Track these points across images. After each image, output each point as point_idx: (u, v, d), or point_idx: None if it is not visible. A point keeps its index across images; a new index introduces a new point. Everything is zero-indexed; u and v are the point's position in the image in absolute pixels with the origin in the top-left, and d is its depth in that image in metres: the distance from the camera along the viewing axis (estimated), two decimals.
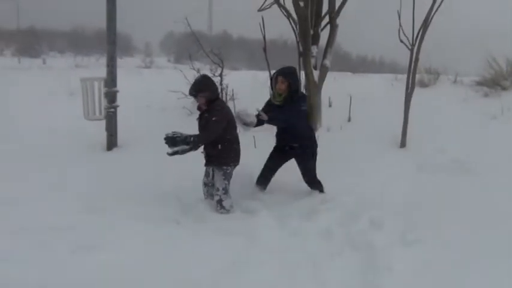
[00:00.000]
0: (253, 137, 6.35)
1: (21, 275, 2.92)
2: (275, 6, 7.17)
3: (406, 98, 6.70)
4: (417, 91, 6.92)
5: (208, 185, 4.69)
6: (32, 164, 5.68)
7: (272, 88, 4.78)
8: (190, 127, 7.31)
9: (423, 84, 9.09)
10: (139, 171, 5.66)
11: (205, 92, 4.36)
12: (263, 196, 4.83)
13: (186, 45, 8.77)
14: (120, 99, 6.83)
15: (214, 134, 4.29)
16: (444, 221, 4.10)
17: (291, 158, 4.89)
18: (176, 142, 4.09)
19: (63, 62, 38.33)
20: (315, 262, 3.46)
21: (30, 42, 64.71)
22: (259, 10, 7.41)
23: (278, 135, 4.90)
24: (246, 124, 4.42)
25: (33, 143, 6.44)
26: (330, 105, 8.60)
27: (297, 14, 6.74)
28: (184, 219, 4.28)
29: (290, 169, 4.95)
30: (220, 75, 8.60)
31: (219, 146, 4.39)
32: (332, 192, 5.01)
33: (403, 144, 6.67)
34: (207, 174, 4.69)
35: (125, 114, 7.10)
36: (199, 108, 4.52)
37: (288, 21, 7.35)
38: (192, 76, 8.82)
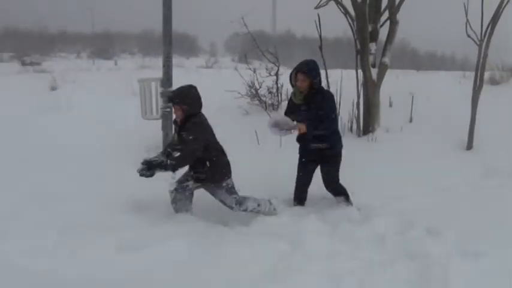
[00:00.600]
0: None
1: (69, 272, 3.01)
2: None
3: (473, 96, 6.23)
4: (487, 89, 6.44)
5: (178, 190, 4.18)
6: (88, 160, 5.92)
7: (292, 85, 4.34)
8: (245, 127, 7.39)
9: (494, 82, 8.44)
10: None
11: (184, 103, 3.89)
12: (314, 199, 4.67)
13: (250, 45, 8.77)
14: None
15: (193, 155, 3.83)
16: (509, 232, 3.73)
17: (320, 161, 4.45)
18: (153, 166, 3.72)
19: (133, 63, 40.28)
20: (364, 271, 3.27)
21: (103, 45, 68.66)
22: (316, 8, 7.24)
23: (304, 138, 4.33)
24: (283, 132, 4.13)
25: (93, 141, 6.70)
26: (390, 105, 8.23)
27: (354, 10, 6.49)
28: (232, 221, 4.24)
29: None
30: (276, 74, 8.52)
31: (207, 163, 4.00)
32: (388, 197, 4.76)
33: (469, 146, 6.21)
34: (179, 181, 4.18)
35: None
36: (174, 121, 4.17)
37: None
38: (248, 76, 8.86)
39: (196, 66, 25.83)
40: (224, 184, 4.11)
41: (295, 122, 4.11)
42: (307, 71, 4.14)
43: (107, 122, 7.59)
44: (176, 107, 3.95)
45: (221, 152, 4.16)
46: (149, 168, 3.74)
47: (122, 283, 2.97)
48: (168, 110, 6.51)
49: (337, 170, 4.49)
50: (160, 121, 6.60)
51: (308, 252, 3.54)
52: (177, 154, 3.82)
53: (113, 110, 8.46)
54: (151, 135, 6.83)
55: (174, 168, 3.76)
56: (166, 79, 6.46)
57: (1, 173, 5.23)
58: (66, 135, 7.01)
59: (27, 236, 3.46)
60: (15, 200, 4.29)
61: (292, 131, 4.13)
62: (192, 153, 3.81)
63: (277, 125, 4.13)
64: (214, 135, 4.14)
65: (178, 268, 3.19)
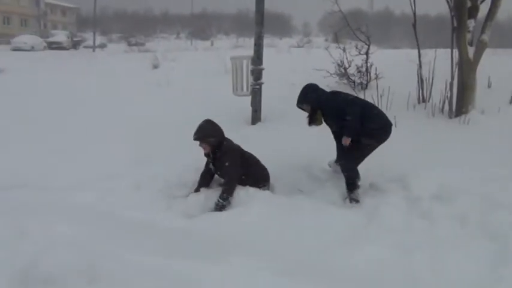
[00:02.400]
0: None
1: (164, 223, 3.48)
2: None
3: None
4: None
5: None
6: (181, 131, 6.46)
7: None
8: None
9: None
10: (277, 144, 5.99)
11: (210, 138, 4.19)
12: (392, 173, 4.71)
13: (345, 24, 8.74)
14: (266, 77, 7.25)
15: (235, 179, 4.12)
16: None
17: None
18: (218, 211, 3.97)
19: (228, 43, 41.55)
20: (437, 247, 3.32)
21: (201, 26, 71.33)
22: None
23: None
24: None
25: (188, 114, 7.23)
26: (489, 86, 7.75)
27: None
28: (310, 190, 4.46)
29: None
30: (366, 53, 8.43)
31: (243, 177, 4.24)
32: (474, 178, 4.63)
33: None
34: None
35: (270, 91, 7.52)
36: (206, 155, 4.36)
37: None
38: (338, 55, 8.87)
39: (288, 46, 25.94)
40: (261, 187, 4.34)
41: None
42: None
43: (201, 98, 8.14)
44: (203, 144, 4.26)
45: (255, 163, 4.43)
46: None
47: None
48: (258, 87, 6.85)
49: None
50: (249, 97, 6.96)
51: (384, 224, 3.66)
52: (224, 187, 4.11)
53: (207, 86, 9.03)
54: (240, 111, 7.22)
55: (227, 200, 4.05)
56: (257, 57, 6.77)
57: (111, 138, 5.99)
58: (165, 109, 7.69)
59: (129, 193, 4.04)
60: (120, 163, 4.96)
61: None
62: (235, 179, 4.15)
63: None
64: (244, 151, 4.41)
65: (260, 230, 3.51)
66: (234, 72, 7.02)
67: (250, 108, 6.98)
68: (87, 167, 4.97)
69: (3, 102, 8.11)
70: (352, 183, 4.35)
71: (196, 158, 4.57)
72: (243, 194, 4.10)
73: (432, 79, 7.28)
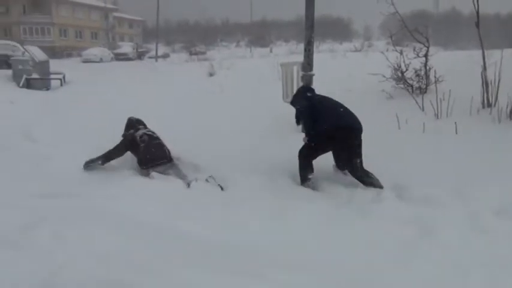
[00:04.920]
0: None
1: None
2: None
3: None
4: None
5: None
6: (233, 135, 6.46)
7: None
8: (387, 111, 7.16)
9: None
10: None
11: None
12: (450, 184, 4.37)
13: (404, 26, 8.36)
14: (320, 83, 7.07)
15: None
16: None
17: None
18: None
19: (286, 49, 41.56)
20: (498, 266, 2.99)
21: (261, 33, 71.98)
22: None
23: None
24: None
25: (237, 122, 7.25)
26: None
27: None
28: (361, 200, 4.24)
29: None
30: (425, 55, 7.99)
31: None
32: None
33: None
34: None
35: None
36: None
37: None
38: (395, 58, 8.49)
39: (345, 51, 25.44)
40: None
41: None
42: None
43: (252, 104, 8.13)
44: None
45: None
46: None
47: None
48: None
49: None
50: None
51: (437, 240, 3.37)
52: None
53: (259, 93, 9.01)
54: (290, 118, 7.07)
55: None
56: (307, 63, 6.62)
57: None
58: (215, 116, 7.75)
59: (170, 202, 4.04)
60: None
61: None
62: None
63: None
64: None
65: (300, 245, 3.35)
66: (284, 79, 6.93)
67: None
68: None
69: (65, 110, 8.57)
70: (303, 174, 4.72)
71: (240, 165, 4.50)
72: (277, 206, 3.97)
73: (498, 82, 6.73)
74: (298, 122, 5.22)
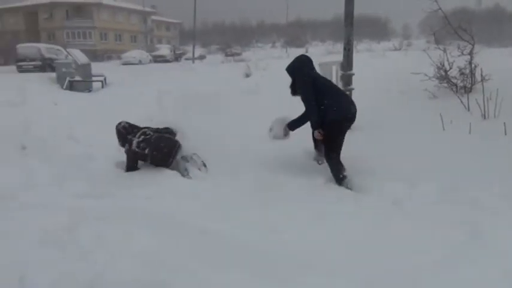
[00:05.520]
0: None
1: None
2: None
3: None
4: None
5: None
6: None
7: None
8: (430, 111, 6.92)
9: None
10: (368, 154, 5.66)
11: None
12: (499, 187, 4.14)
13: (446, 24, 8.07)
14: (359, 83, 6.93)
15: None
16: None
17: None
18: None
19: (322, 49, 41.19)
20: None
21: (296, 34, 71.78)
22: None
23: None
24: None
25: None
26: None
27: None
28: (407, 203, 4.08)
29: None
30: (470, 53, 7.66)
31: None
32: None
33: None
34: None
35: (362, 97, 7.16)
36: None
37: None
38: (437, 57, 8.20)
39: (383, 50, 24.88)
40: None
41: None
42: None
43: (289, 105, 8.00)
44: None
45: None
46: None
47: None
48: (347, 93, 6.55)
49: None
50: None
51: (488, 245, 3.18)
52: None
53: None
54: None
55: None
56: (347, 62, 6.49)
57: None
58: (251, 116, 7.71)
59: (210, 203, 4.01)
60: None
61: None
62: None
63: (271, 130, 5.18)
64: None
65: (336, 249, 3.25)
66: None
67: None
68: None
69: (106, 112, 8.75)
70: (336, 174, 4.63)
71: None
72: (315, 208, 3.87)
73: None
74: (293, 92, 5.06)
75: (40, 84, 12.58)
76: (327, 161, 4.74)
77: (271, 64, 15.02)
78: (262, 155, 5.61)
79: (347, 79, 6.52)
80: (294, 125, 5.10)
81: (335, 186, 4.57)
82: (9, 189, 3.71)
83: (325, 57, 14.71)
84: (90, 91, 13.26)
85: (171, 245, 2.93)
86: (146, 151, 4.86)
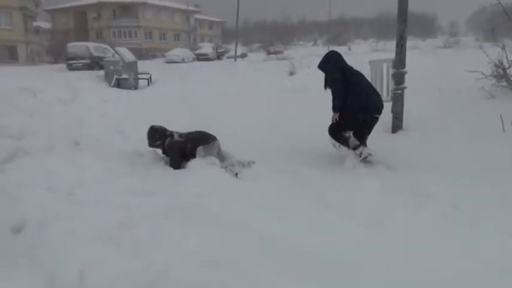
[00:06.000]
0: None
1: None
2: None
3: None
4: None
5: None
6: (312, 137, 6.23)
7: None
8: (488, 111, 6.55)
9: None
10: (420, 154, 5.42)
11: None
12: None
13: (500, 19, 7.65)
14: (410, 81, 6.66)
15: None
16: None
17: None
18: None
19: (365, 48, 40.35)
20: None
21: (339, 31, 70.80)
22: None
23: None
24: None
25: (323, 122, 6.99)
26: None
27: None
28: (465, 204, 3.85)
29: None
30: None
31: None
32: None
33: None
34: None
35: (413, 96, 6.90)
36: None
37: None
38: (496, 54, 7.77)
39: (435, 47, 24.02)
40: None
41: None
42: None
43: None
44: None
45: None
46: None
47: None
48: (399, 92, 6.31)
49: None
50: (390, 103, 6.45)
51: None
52: None
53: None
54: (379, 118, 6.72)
55: None
56: (399, 60, 6.23)
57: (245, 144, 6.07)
58: (299, 115, 7.59)
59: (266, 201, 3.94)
60: None
61: None
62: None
63: None
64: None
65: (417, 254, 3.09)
66: (373, 77, 6.60)
67: (391, 115, 6.44)
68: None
69: (153, 108, 8.89)
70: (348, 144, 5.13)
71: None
72: (372, 211, 3.69)
73: None
74: (325, 86, 5.35)
75: (89, 82, 12.96)
76: (330, 134, 5.22)
77: (315, 62, 14.80)
78: (311, 154, 5.49)
79: (399, 77, 6.26)
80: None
81: (394, 192, 4.32)
82: (65, 185, 3.77)
83: (370, 55, 14.35)
84: (136, 88, 13.55)
85: (226, 246, 2.88)
86: (187, 141, 5.10)
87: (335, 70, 5.15)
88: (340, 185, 4.39)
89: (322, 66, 5.35)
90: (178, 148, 5.11)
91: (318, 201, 4.01)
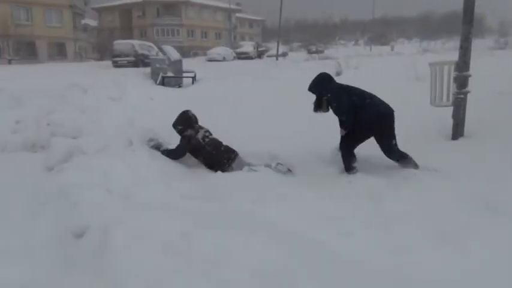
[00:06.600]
0: None
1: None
2: None
3: None
4: None
5: None
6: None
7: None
8: None
9: None
10: (484, 163, 5.05)
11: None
12: None
13: None
14: (470, 84, 6.27)
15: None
16: None
17: None
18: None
19: (410, 48, 39.17)
20: None
21: (381, 31, 69.29)
22: None
23: None
24: None
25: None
26: None
27: None
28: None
29: None
30: None
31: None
32: None
33: None
34: None
35: (473, 101, 6.50)
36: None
37: None
38: None
39: (487, 48, 22.95)
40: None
41: None
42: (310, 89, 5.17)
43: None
44: None
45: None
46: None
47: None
48: (462, 96, 5.94)
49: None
50: (451, 108, 6.08)
51: None
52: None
53: (396, 95, 8.31)
54: (439, 124, 6.37)
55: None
56: (463, 62, 5.86)
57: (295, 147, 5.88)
58: None
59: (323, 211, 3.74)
60: None
61: None
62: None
63: None
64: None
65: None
66: (433, 80, 6.23)
67: (451, 120, 6.07)
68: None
69: (199, 107, 8.83)
70: (347, 164, 5.00)
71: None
72: (444, 226, 3.40)
73: None
74: (316, 109, 5.17)
75: (136, 79, 13.13)
76: (342, 151, 5.07)
77: (363, 63, 14.42)
78: (369, 161, 5.23)
79: (462, 81, 5.88)
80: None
81: (466, 207, 3.98)
82: (123, 187, 3.72)
83: (422, 57, 13.84)
84: (180, 86, 13.63)
85: (287, 260, 2.72)
86: (206, 146, 5.21)
87: (338, 90, 5.05)
88: (407, 196, 4.11)
89: (318, 87, 5.09)
90: (191, 146, 5.24)
91: (383, 214, 3.77)
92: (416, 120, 6.67)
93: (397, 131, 6.52)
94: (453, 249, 3.04)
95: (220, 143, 5.42)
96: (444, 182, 4.62)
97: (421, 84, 8.20)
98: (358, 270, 2.85)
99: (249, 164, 5.23)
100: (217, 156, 5.21)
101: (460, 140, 6.03)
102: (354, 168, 4.99)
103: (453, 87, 6.02)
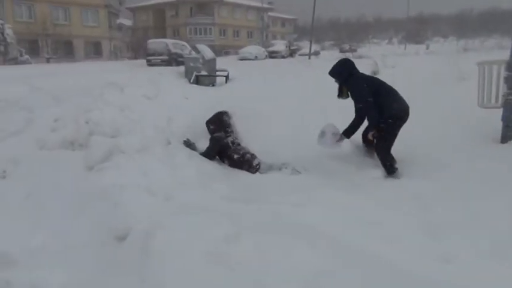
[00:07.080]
0: None
1: None
2: None
3: None
4: None
5: None
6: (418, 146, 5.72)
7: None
8: None
9: None
10: None
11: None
12: None
13: None
14: None
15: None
16: None
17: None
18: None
19: (447, 46, 38.03)
20: None
21: (416, 29, 67.66)
22: None
23: None
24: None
25: (426, 128, 6.40)
26: None
27: None
28: None
29: None
30: None
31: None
32: None
33: None
34: None
35: None
36: None
37: None
38: None
39: None
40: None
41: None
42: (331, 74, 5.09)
43: (436, 108, 7.19)
44: None
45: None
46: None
47: None
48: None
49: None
50: (500, 110, 5.77)
51: None
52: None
53: (439, 95, 8.02)
54: (487, 126, 6.06)
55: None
56: None
57: None
58: None
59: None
60: None
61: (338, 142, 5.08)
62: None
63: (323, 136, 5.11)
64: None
65: None
66: (481, 80, 5.94)
67: (500, 123, 5.77)
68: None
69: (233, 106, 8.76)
70: (389, 166, 4.81)
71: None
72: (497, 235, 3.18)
73: None
74: (339, 95, 5.14)
75: (170, 77, 13.18)
76: (379, 153, 4.90)
77: (400, 62, 14.00)
78: (414, 162, 5.02)
79: None
80: (350, 131, 5.13)
81: None
82: (163, 188, 3.67)
83: (462, 56, 13.34)
84: (213, 85, 13.59)
85: (331, 266, 2.59)
86: (233, 153, 5.25)
87: (359, 79, 4.94)
88: (455, 202, 3.89)
89: (338, 72, 5.02)
90: (220, 148, 5.31)
91: (431, 220, 3.58)
92: (462, 122, 6.38)
93: (442, 133, 6.31)
94: (510, 263, 2.83)
95: (248, 151, 5.40)
96: (495, 188, 4.37)
97: (466, 83, 7.84)
98: (405, 279, 2.69)
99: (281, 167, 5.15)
100: (241, 164, 5.20)
101: (510, 144, 5.72)
102: (396, 169, 4.85)
103: (503, 88, 5.72)
